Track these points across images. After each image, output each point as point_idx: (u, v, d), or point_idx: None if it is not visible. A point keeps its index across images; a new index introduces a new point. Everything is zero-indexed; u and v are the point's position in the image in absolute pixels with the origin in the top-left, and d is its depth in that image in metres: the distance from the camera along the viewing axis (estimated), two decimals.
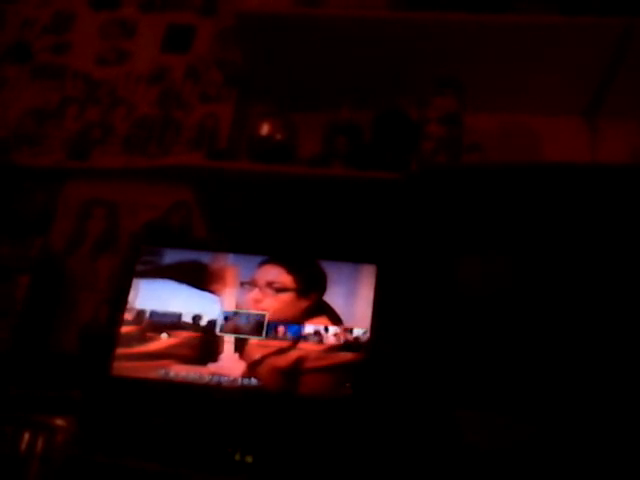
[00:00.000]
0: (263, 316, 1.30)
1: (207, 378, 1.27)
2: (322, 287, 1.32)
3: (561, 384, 1.07)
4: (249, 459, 1.17)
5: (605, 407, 1.04)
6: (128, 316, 1.33)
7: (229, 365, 1.28)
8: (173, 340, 1.31)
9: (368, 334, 1.27)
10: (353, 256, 1.34)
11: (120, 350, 1.31)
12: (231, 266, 1.36)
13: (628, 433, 1.03)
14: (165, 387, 1.27)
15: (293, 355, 1.26)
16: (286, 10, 1.56)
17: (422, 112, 1.42)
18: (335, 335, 1.27)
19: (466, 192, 1.21)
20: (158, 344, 1.31)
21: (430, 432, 1.15)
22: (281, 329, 1.29)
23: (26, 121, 1.92)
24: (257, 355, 1.28)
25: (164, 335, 1.31)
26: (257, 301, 1.32)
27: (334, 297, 1.31)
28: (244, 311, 1.31)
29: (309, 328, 1.28)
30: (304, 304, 1.31)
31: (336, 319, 1.29)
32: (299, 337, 1.28)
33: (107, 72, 1.95)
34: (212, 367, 1.28)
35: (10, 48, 2.04)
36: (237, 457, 1.18)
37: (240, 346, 1.29)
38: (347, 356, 1.26)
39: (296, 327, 1.29)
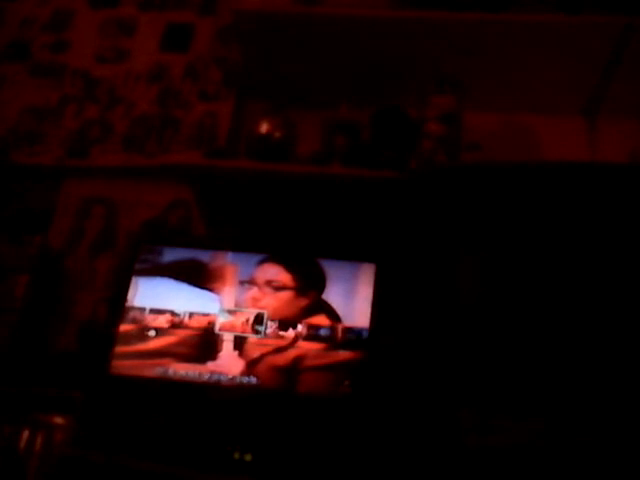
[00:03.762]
0: (262, 315, 1.30)
1: (206, 376, 1.27)
2: (321, 286, 1.31)
3: (563, 383, 1.07)
4: (248, 457, 1.17)
5: (606, 406, 1.04)
6: (127, 314, 1.33)
7: (228, 363, 1.28)
8: (172, 338, 1.31)
9: (367, 333, 1.27)
10: (352, 255, 1.34)
11: (119, 348, 1.31)
12: (230, 264, 1.36)
13: (628, 433, 1.03)
14: (164, 385, 1.27)
15: (292, 353, 1.26)
16: (285, 8, 1.56)
17: (421, 111, 1.42)
18: (334, 333, 1.28)
19: (466, 191, 1.21)
20: (157, 342, 1.31)
21: (430, 431, 1.15)
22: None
23: (25, 119, 1.91)
24: (256, 353, 1.28)
25: (152, 332, 1.31)
26: (256, 299, 1.32)
27: (333, 296, 1.31)
28: (243, 309, 1.31)
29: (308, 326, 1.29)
30: (303, 302, 1.31)
31: (335, 318, 1.29)
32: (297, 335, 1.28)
33: (106, 70, 1.95)
34: (211, 365, 1.28)
35: (9, 46, 2.04)
36: (236, 455, 1.18)
37: (239, 344, 1.29)
38: (346, 354, 1.26)
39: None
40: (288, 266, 1.34)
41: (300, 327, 1.28)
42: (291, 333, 1.28)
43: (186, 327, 1.31)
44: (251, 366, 1.27)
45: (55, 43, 2.01)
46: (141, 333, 1.32)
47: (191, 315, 1.32)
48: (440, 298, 1.21)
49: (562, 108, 1.66)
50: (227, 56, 1.89)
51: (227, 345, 1.29)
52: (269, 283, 1.33)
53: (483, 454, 1.06)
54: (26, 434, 1.27)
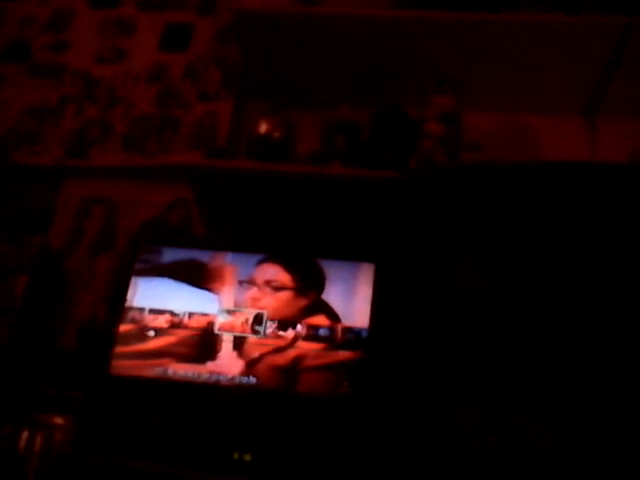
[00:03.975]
0: (261, 315, 1.30)
1: (206, 376, 1.27)
2: (321, 286, 1.31)
3: (563, 383, 1.07)
4: (248, 457, 1.17)
5: (606, 406, 1.04)
6: (127, 314, 1.33)
7: (227, 363, 1.27)
8: (172, 338, 1.31)
9: (367, 333, 1.27)
10: (351, 255, 1.34)
11: (119, 348, 1.31)
12: (229, 264, 1.36)
13: (628, 432, 1.03)
14: (164, 385, 1.27)
15: (291, 353, 1.26)
16: (285, 8, 1.56)
17: (421, 111, 1.42)
18: (333, 333, 1.28)
19: (466, 191, 1.21)
20: (157, 342, 1.31)
21: (429, 431, 1.15)
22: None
23: (25, 119, 1.92)
24: (255, 353, 1.27)
25: (151, 332, 1.31)
26: (255, 300, 1.32)
27: (333, 296, 1.31)
28: (243, 309, 1.31)
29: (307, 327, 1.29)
30: (302, 303, 1.30)
31: (334, 318, 1.29)
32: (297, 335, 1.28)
33: (106, 70, 1.95)
34: (211, 365, 1.28)
35: (9, 46, 2.04)
36: (236, 455, 1.18)
37: (238, 344, 1.29)
38: (345, 354, 1.26)
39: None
40: (287, 266, 1.34)
41: (299, 327, 1.28)
42: (290, 333, 1.28)
43: (185, 327, 1.31)
44: (250, 366, 1.27)
45: (55, 43, 2.01)
46: (141, 333, 1.32)
47: (190, 315, 1.32)
48: (440, 298, 1.20)
49: (562, 108, 1.66)
50: (227, 56, 1.89)
51: (226, 345, 1.29)
52: (268, 283, 1.33)
53: (483, 454, 1.05)
54: (26, 434, 1.27)
